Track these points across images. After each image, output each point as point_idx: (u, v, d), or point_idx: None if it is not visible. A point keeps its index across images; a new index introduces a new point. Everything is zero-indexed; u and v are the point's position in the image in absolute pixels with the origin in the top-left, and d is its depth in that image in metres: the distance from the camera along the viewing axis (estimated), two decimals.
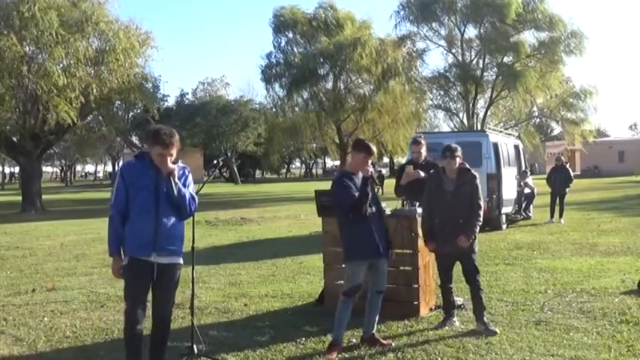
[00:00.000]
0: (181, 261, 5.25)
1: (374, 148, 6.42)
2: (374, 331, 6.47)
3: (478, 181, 7.10)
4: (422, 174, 8.51)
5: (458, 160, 7.03)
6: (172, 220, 5.12)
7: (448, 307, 7.22)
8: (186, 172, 5.27)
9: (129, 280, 5.24)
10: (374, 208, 6.31)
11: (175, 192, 5.06)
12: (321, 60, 43.83)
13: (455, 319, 7.17)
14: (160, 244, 5.05)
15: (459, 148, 7.14)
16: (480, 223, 7.01)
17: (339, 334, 6.28)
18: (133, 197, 5.10)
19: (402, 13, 43.73)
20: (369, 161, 6.34)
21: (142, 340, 5.25)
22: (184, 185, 5.17)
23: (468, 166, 7.18)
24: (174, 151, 5.07)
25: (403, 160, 61.94)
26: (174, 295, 5.29)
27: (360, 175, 6.28)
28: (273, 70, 44.82)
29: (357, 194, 6.17)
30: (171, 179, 5.07)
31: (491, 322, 6.97)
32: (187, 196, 5.14)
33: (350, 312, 6.27)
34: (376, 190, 6.64)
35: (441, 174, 7.16)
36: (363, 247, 6.24)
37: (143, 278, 5.14)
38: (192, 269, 5.89)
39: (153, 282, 5.15)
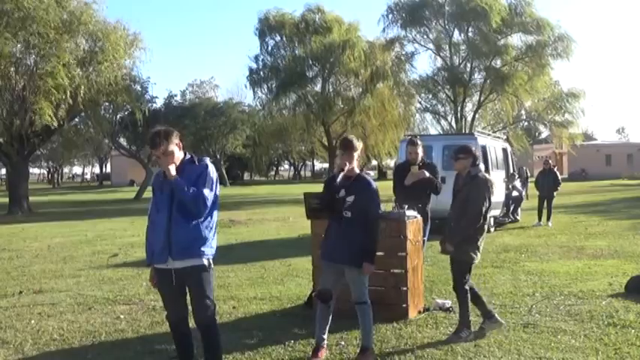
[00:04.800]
0: (203, 262, 5.08)
1: (354, 144, 6.09)
2: (369, 346, 6.11)
3: (485, 186, 6.77)
4: (427, 173, 8.58)
5: (462, 162, 6.81)
6: (187, 221, 5.00)
7: (480, 309, 6.97)
8: (205, 169, 5.08)
9: (157, 288, 5.39)
10: (349, 213, 5.99)
11: (177, 187, 4.95)
12: (310, 62, 43.89)
13: (496, 316, 6.92)
14: (174, 247, 4.99)
15: (468, 150, 6.88)
16: (471, 229, 6.69)
17: (318, 336, 6.18)
18: (157, 204, 5.17)
19: (390, 16, 43.80)
20: (347, 158, 6.02)
21: (188, 339, 5.35)
22: (197, 184, 4.99)
23: (478, 169, 6.89)
24: (167, 147, 4.99)
25: (391, 163, 61.54)
26: (207, 299, 5.13)
27: (343, 174, 6.03)
28: (261, 74, 44.81)
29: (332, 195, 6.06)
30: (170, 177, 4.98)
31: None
32: (190, 192, 4.94)
33: (326, 314, 6.16)
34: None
35: (459, 175, 7.00)
36: (323, 248, 6.26)
37: (165, 286, 5.19)
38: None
39: (184, 288, 5.17)
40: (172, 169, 4.98)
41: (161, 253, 5.03)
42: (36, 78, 27.96)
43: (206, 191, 4.99)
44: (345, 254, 5.98)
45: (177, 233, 4.98)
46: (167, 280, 5.10)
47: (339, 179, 6.00)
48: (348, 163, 6.03)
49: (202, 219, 5.07)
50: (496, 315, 6.96)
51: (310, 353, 6.17)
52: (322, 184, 6.41)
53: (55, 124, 28.89)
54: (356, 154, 6.09)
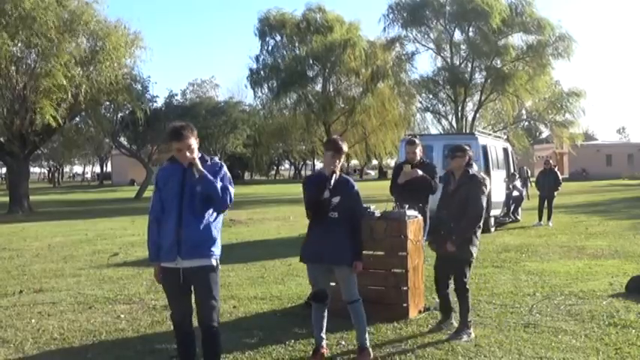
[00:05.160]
0: (212, 262, 5.06)
1: (344, 147, 6.07)
2: (366, 345, 6.14)
3: (482, 185, 6.86)
4: (420, 172, 8.55)
5: (458, 160, 6.89)
6: (198, 220, 4.98)
7: (443, 308, 7.19)
8: (221, 168, 5.09)
9: (163, 287, 5.33)
10: (336, 214, 5.98)
11: (202, 181, 4.90)
12: (311, 62, 43.88)
13: (452, 320, 7.11)
14: (183, 246, 4.94)
15: (464, 149, 6.96)
16: (472, 229, 6.80)
17: (318, 336, 6.17)
18: (163, 201, 5.10)
19: (391, 16, 43.87)
20: (337, 160, 6.00)
21: (191, 338, 5.29)
22: (217, 179, 4.98)
23: (474, 168, 6.99)
24: (191, 142, 4.95)
25: (392, 162, 61.89)
26: (213, 299, 5.09)
27: (334, 175, 6.03)
28: (261, 73, 44.76)
29: (319, 195, 5.97)
30: (194, 169, 4.91)
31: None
32: (218, 185, 4.94)
33: (323, 315, 6.15)
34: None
35: (450, 174, 7.10)
36: (307, 250, 6.15)
37: (172, 285, 5.12)
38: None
39: (190, 287, 5.09)
40: (199, 163, 4.96)
41: (169, 251, 4.99)
42: (35, 77, 27.94)
43: (229, 185, 5.04)
44: (335, 254, 5.98)
45: (187, 232, 4.95)
46: (174, 278, 5.05)
47: (333, 181, 5.99)
48: (338, 164, 6.04)
49: (212, 219, 5.06)
50: (453, 317, 7.12)
51: (310, 353, 6.17)
52: (309, 187, 6.18)
53: (55, 123, 28.85)
54: (343, 156, 6.12)
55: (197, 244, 4.97)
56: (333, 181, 5.98)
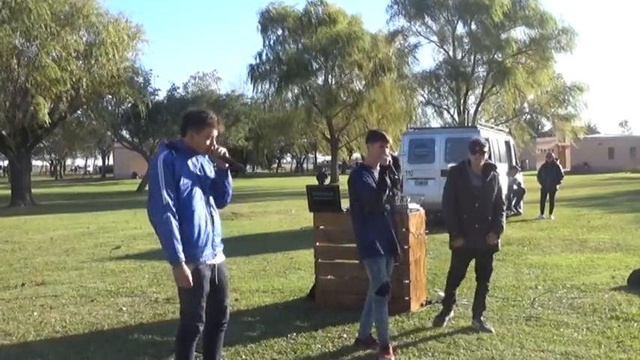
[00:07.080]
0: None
1: (389, 137, 6.18)
2: (371, 332, 6.28)
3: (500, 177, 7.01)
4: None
5: (485, 154, 6.84)
6: (217, 213, 4.79)
7: (448, 304, 7.14)
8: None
9: (196, 287, 4.56)
10: (387, 205, 6.10)
11: (225, 174, 4.74)
12: (314, 54, 43.78)
13: (452, 314, 7.12)
14: (217, 241, 4.74)
15: (487, 143, 6.96)
16: (505, 220, 6.96)
17: (386, 336, 5.99)
18: (181, 193, 4.55)
19: (395, 7, 43.88)
20: (387, 150, 6.06)
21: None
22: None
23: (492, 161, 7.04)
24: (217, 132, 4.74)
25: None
26: (228, 295, 4.96)
27: (378, 168, 6.03)
28: (263, 68, 44.64)
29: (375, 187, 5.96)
30: (225, 161, 4.71)
31: (487, 320, 7.00)
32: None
33: (387, 310, 6.02)
34: (397, 176, 6.20)
35: (466, 168, 6.89)
36: (382, 242, 5.97)
37: (206, 283, 4.67)
38: None
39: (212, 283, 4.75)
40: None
41: (206, 247, 4.64)
42: (33, 70, 27.89)
43: None
44: (396, 244, 6.12)
45: (217, 226, 4.76)
46: (208, 277, 4.69)
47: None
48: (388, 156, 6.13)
49: None
50: (450, 316, 7.15)
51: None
52: (367, 181, 5.96)
53: (46, 122, 28.66)
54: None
55: (221, 239, 4.83)
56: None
